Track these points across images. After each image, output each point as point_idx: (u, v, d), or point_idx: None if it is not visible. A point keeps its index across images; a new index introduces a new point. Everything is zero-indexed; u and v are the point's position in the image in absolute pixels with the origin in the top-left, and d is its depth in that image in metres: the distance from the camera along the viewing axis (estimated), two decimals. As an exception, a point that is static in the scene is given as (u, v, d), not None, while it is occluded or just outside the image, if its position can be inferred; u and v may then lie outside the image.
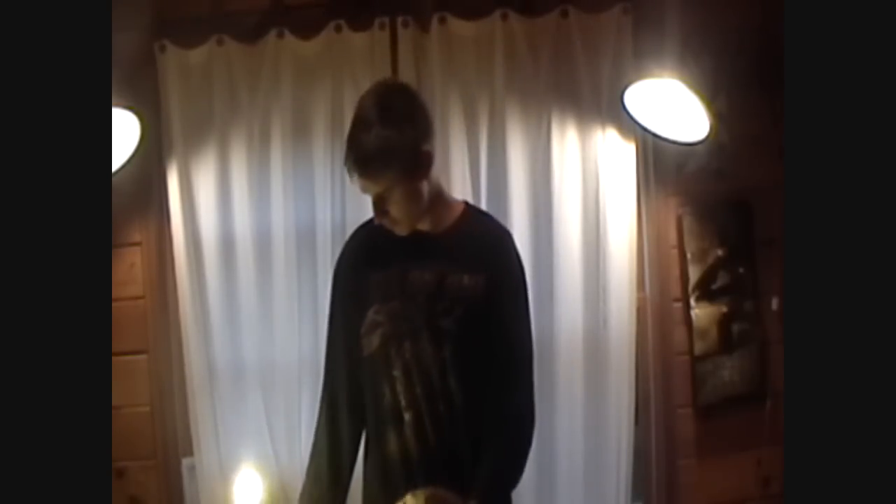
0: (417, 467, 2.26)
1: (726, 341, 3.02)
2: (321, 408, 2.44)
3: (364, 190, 2.25)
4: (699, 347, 3.01)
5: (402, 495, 2.19)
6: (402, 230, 2.29)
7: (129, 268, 2.97)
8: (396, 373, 2.27)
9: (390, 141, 2.17)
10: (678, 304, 3.03)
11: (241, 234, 2.93)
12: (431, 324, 2.26)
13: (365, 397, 2.35)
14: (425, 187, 2.27)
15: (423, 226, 2.32)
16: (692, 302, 3.01)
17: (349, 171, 2.22)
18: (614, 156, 2.92)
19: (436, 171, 2.33)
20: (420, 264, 2.29)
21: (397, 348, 2.27)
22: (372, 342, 2.30)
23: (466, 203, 2.47)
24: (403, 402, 2.27)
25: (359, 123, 2.21)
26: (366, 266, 2.34)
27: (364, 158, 2.18)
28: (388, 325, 2.28)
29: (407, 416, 2.27)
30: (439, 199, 2.34)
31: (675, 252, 3.03)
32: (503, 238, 2.41)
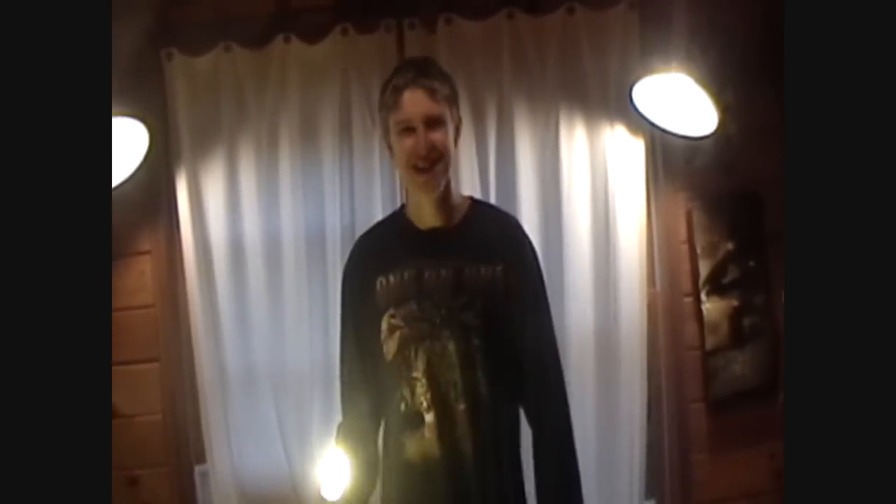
0: (438, 468, 2.24)
1: (737, 335, 3.02)
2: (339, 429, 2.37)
3: (415, 107, 2.21)
4: (710, 342, 3.01)
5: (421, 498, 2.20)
6: (434, 188, 2.25)
7: (139, 276, 2.96)
8: (417, 374, 2.24)
9: (448, 78, 2.31)
10: (689, 299, 3.03)
11: (250, 240, 2.93)
12: (453, 321, 2.23)
13: (383, 403, 2.32)
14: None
15: (435, 222, 2.31)
16: (703, 296, 3.01)
17: (407, 84, 2.22)
18: (623, 152, 2.92)
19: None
20: (434, 262, 2.26)
21: (417, 350, 2.24)
22: (391, 347, 2.27)
23: (472, 198, 2.47)
24: (425, 404, 2.24)
25: (412, 63, 2.36)
26: (377, 270, 2.30)
27: (431, 70, 2.28)
28: (406, 328, 2.25)
29: (428, 418, 2.24)
30: (449, 194, 2.32)
31: (685, 247, 3.03)
32: (513, 225, 2.43)
